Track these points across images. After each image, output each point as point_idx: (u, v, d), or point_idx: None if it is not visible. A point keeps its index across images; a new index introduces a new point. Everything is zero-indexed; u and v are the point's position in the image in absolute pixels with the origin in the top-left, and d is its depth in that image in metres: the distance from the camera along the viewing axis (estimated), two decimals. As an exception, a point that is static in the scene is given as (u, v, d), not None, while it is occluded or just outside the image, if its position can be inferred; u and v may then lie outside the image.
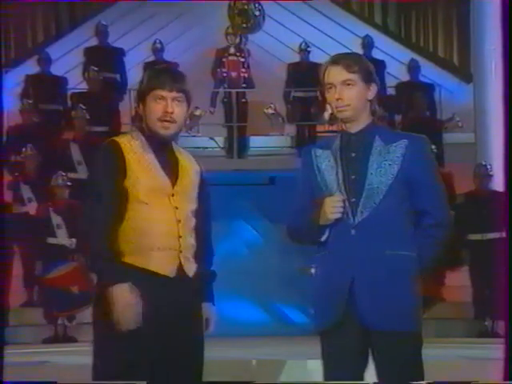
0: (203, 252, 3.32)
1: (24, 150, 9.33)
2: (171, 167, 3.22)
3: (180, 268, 3.19)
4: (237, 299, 10.48)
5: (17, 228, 8.50)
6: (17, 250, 8.81)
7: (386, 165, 3.12)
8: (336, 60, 3.16)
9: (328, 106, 10.70)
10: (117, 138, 3.25)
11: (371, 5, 12.34)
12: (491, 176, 8.79)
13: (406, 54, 11.59)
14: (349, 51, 3.35)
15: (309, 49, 11.02)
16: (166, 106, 3.18)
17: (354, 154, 3.15)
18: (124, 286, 3.06)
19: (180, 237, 3.19)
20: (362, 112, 3.17)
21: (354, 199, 3.11)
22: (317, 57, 11.11)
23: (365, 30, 11.69)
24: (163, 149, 3.23)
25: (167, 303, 3.15)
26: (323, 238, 3.14)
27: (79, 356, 5.13)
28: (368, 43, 11.10)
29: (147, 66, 10.87)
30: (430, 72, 11.48)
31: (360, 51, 10.97)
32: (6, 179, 9.21)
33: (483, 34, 9.79)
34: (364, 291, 3.07)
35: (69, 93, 10.74)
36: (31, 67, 10.90)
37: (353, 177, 3.13)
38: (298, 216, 3.22)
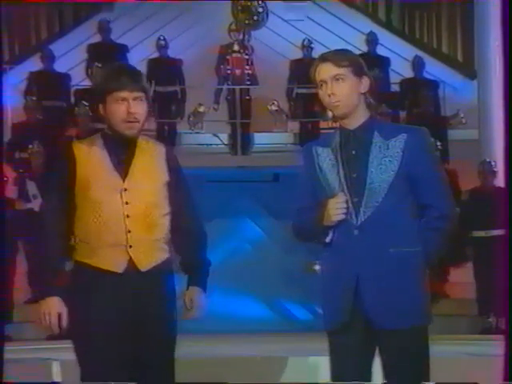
0: (184, 241, 3.29)
1: (30, 146, 9.34)
2: (125, 163, 3.25)
3: (131, 263, 3.19)
4: (240, 296, 10.49)
5: (21, 224, 8.51)
6: (21, 246, 8.82)
7: (386, 161, 3.09)
8: (325, 57, 3.18)
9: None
10: (75, 141, 3.34)
11: (375, 1, 12.32)
12: (495, 173, 8.78)
13: (410, 51, 11.57)
14: (339, 48, 3.34)
15: (311, 45, 11.00)
16: (129, 107, 3.20)
17: (354, 152, 3.13)
18: (50, 300, 3.18)
19: (129, 232, 3.19)
20: (357, 107, 3.15)
21: (356, 199, 3.09)
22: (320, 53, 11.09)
23: (368, 26, 11.67)
24: (121, 146, 3.25)
25: (119, 300, 3.15)
26: (328, 239, 3.12)
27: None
28: (372, 40, 11.08)
29: (151, 63, 10.90)
30: (433, 68, 11.47)
31: (364, 48, 10.97)
32: (11, 176, 9.24)
33: (487, 31, 9.77)
34: (369, 291, 3.05)
35: (72, 89, 10.75)
36: (35, 64, 10.91)
37: (354, 175, 3.10)
38: (301, 215, 3.19)
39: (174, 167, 3.29)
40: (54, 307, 3.17)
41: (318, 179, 3.16)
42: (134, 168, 3.24)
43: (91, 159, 3.24)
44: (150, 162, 3.26)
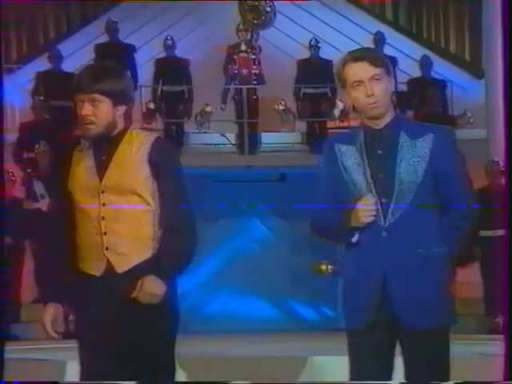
0: (162, 235, 3.17)
1: (37, 146, 9.37)
2: (104, 163, 3.20)
3: (109, 265, 3.16)
4: (247, 295, 10.49)
5: (29, 224, 8.53)
6: (28, 246, 8.84)
7: (414, 162, 3.06)
8: (358, 56, 3.10)
9: (339, 103, 10.65)
10: (76, 149, 3.29)
11: (382, 1, 12.30)
12: (503, 172, 8.77)
13: (418, 50, 11.56)
14: (361, 47, 3.30)
15: (319, 45, 11.01)
16: (81, 109, 3.18)
17: (380, 152, 3.08)
18: (50, 306, 3.20)
19: (105, 234, 3.16)
20: (390, 106, 3.12)
21: (384, 200, 3.05)
22: (328, 53, 11.09)
23: (376, 26, 11.66)
24: (103, 146, 3.21)
25: (101, 303, 3.13)
26: (354, 240, 3.07)
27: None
28: (379, 39, 11.07)
29: (158, 63, 10.91)
30: (441, 68, 11.45)
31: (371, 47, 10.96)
32: (19, 175, 9.27)
33: (495, 30, 9.75)
34: (397, 290, 3.02)
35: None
36: (42, 64, 10.93)
37: (381, 175, 3.06)
38: (324, 214, 3.13)
39: (156, 159, 3.18)
40: (48, 314, 3.20)
41: (343, 178, 3.10)
42: (113, 167, 3.19)
43: (81, 164, 3.23)
44: (129, 156, 3.19)
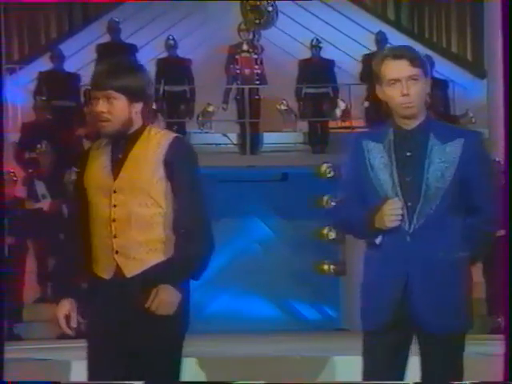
0: (175, 240, 3.08)
1: (39, 146, 9.38)
2: (119, 162, 3.11)
3: (118, 269, 3.08)
4: (249, 295, 10.50)
5: (31, 224, 8.55)
6: (30, 246, 8.86)
7: (442, 167, 3.02)
8: (399, 54, 3.06)
9: (340, 102, 10.63)
10: (92, 145, 3.24)
11: (384, 0, 12.31)
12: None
13: (419, 50, 11.53)
14: (403, 44, 3.25)
15: (320, 45, 11.01)
16: (97, 106, 3.11)
17: (409, 154, 3.03)
18: (62, 303, 3.16)
19: (115, 237, 3.07)
20: (423, 107, 3.07)
21: (409, 203, 3.01)
22: (329, 53, 11.09)
23: (378, 25, 11.66)
24: (120, 144, 3.13)
25: (108, 307, 3.09)
26: (378, 241, 3.05)
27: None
28: (381, 39, 11.07)
29: (160, 63, 10.92)
30: (443, 68, 11.45)
31: (373, 47, 10.96)
32: (21, 175, 9.28)
33: (497, 30, 9.75)
34: (419, 294, 3.01)
35: (82, 89, 10.78)
36: (44, 64, 10.94)
37: (408, 179, 3.02)
38: (347, 211, 3.11)
39: (172, 160, 3.09)
40: (62, 310, 3.16)
41: (369, 177, 3.06)
42: (127, 166, 3.10)
43: (97, 161, 3.15)
44: (144, 156, 3.09)
